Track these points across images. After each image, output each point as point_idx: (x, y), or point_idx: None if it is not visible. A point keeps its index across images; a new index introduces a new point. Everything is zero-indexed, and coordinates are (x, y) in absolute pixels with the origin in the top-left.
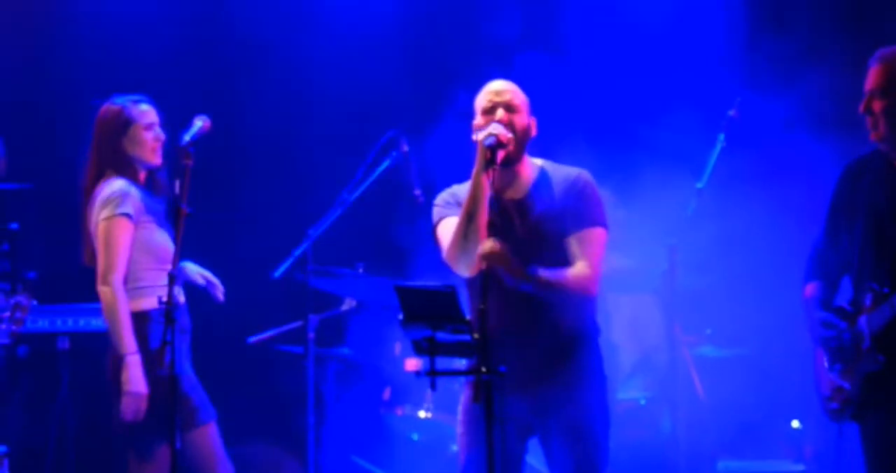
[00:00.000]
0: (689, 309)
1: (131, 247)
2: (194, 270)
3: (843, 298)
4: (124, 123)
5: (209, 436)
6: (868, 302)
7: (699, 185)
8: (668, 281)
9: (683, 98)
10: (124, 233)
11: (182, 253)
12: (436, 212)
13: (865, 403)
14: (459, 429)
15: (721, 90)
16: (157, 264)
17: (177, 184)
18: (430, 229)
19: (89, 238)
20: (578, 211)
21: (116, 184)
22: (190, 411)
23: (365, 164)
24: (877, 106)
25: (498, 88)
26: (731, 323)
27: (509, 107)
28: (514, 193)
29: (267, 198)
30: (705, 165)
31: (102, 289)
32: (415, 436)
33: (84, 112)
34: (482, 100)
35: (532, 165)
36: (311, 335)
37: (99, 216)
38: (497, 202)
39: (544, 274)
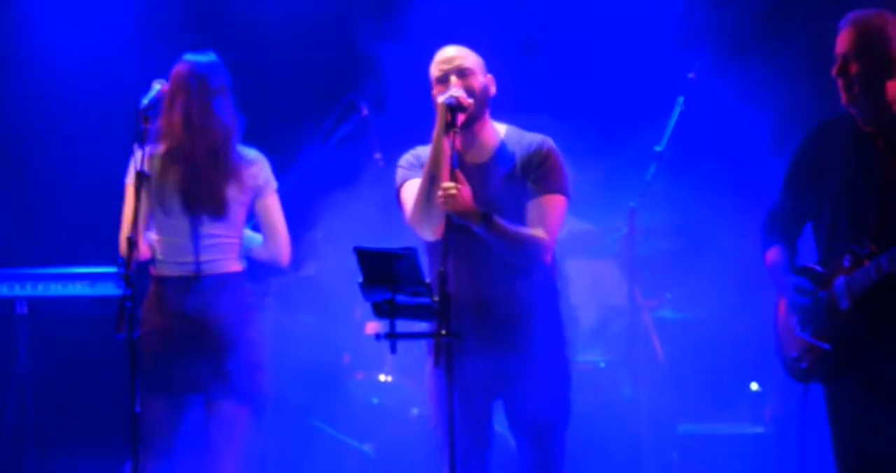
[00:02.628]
0: (649, 273)
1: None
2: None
3: (805, 259)
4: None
5: (238, 415)
6: (847, 263)
7: (658, 148)
8: (627, 245)
9: (643, 60)
10: None
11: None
12: (399, 173)
13: (841, 364)
14: (428, 394)
15: (681, 52)
16: None
17: (136, 148)
18: (395, 191)
19: (217, 189)
20: (540, 178)
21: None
22: (231, 381)
23: (324, 128)
24: (853, 69)
25: (447, 56)
26: (690, 287)
27: (461, 73)
28: (476, 157)
29: None
30: (665, 128)
31: (287, 253)
32: (375, 400)
33: (40, 82)
34: (434, 70)
35: (495, 129)
36: (271, 299)
37: (270, 188)
38: (459, 165)
39: (501, 222)
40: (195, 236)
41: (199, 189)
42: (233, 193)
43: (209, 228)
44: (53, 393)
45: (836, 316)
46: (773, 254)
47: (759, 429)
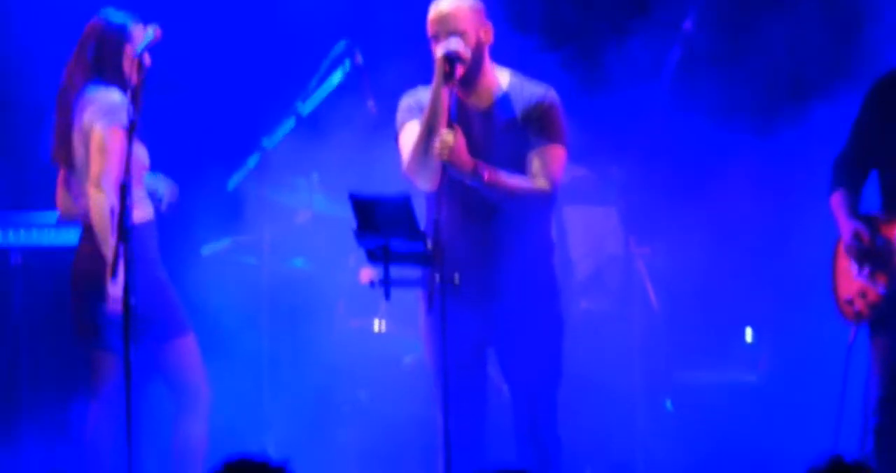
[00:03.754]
0: (644, 221)
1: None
2: (154, 184)
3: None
4: (123, 40)
5: (188, 348)
6: None
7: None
8: (622, 193)
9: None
10: (120, 144)
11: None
12: (398, 116)
13: (891, 310)
14: (423, 341)
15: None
16: (138, 178)
17: (128, 93)
18: (395, 134)
19: (63, 137)
20: (542, 129)
21: (115, 95)
22: (169, 323)
23: (318, 75)
24: None
25: (439, 14)
26: (685, 235)
27: (454, 34)
28: (478, 101)
29: (221, 108)
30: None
31: (94, 193)
32: (369, 347)
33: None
34: (429, 27)
35: (498, 75)
36: (266, 246)
37: (96, 123)
38: (459, 109)
39: (498, 174)
40: (72, 184)
41: (54, 138)
42: (78, 139)
43: (77, 176)
44: (48, 344)
45: (892, 261)
46: (837, 198)
47: (753, 378)
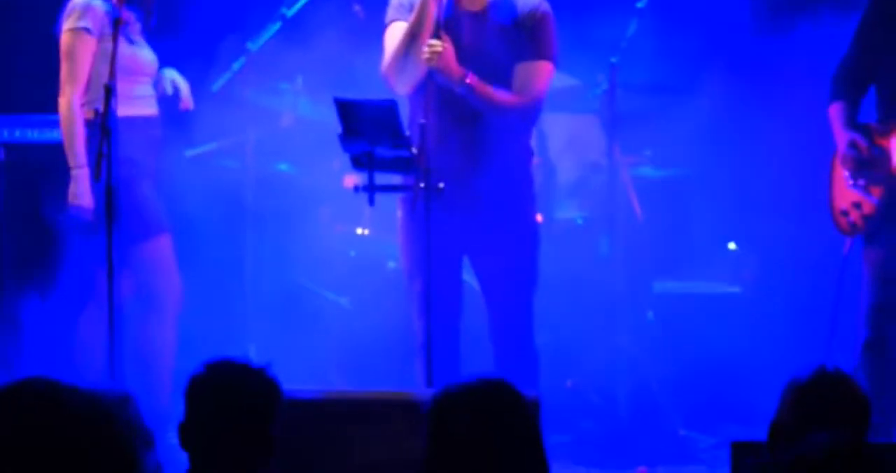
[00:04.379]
0: (629, 129)
1: (94, 61)
2: (168, 77)
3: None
4: None
5: (158, 249)
6: None
7: (640, 5)
8: (608, 101)
9: None
10: (84, 46)
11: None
12: (388, 13)
13: (884, 221)
14: (400, 245)
15: None
16: (124, 75)
17: None
18: (381, 40)
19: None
20: (532, 40)
21: None
22: (140, 223)
23: None
24: None
25: None
26: (670, 144)
27: None
28: (471, 4)
29: (206, 10)
30: None
31: (60, 101)
32: (352, 253)
33: None
34: None
35: None
36: (250, 150)
37: (63, 27)
38: (453, 10)
39: (484, 86)
40: None
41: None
42: None
43: None
44: (30, 240)
45: (887, 172)
46: (835, 109)
47: (736, 288)
